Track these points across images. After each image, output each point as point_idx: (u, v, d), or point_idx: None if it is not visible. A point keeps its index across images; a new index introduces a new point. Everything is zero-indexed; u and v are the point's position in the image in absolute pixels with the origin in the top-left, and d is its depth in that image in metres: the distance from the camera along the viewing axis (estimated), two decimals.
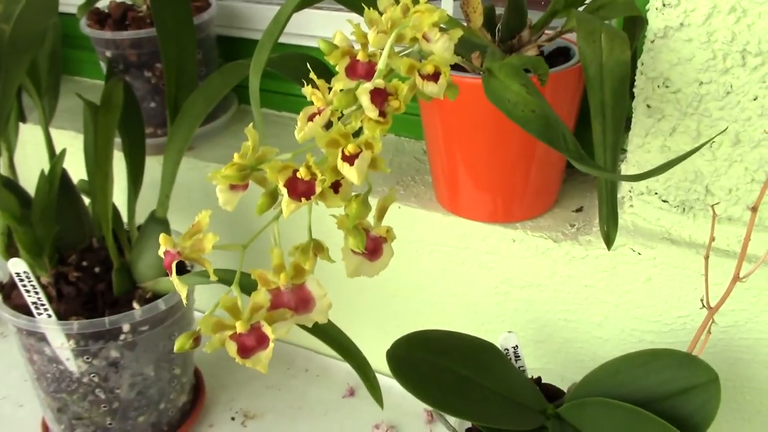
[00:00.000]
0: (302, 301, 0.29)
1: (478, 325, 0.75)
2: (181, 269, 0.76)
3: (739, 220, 0.59)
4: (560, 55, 0.66)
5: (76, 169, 0.74)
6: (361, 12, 0.54)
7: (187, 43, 0.70)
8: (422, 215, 0.72)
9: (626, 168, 0.62)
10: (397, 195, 0.75)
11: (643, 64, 0.58)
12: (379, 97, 0.28)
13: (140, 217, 0.75)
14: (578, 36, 0.52)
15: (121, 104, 0.68)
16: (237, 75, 0.63)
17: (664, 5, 0.55)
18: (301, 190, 0.28)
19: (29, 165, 0.87)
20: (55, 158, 0.64)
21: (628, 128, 0.61)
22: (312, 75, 0.31)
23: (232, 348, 0.28)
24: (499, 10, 0.65)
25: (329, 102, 0.30)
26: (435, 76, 0.30)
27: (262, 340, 0.28)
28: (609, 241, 0.54)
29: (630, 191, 0.63)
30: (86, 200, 0.76)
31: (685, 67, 0.56)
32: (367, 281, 0.76)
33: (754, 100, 0.54)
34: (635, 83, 0.59)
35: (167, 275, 0.71)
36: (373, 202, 0.33)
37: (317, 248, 0.30)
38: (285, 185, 0.27)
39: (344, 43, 0.34)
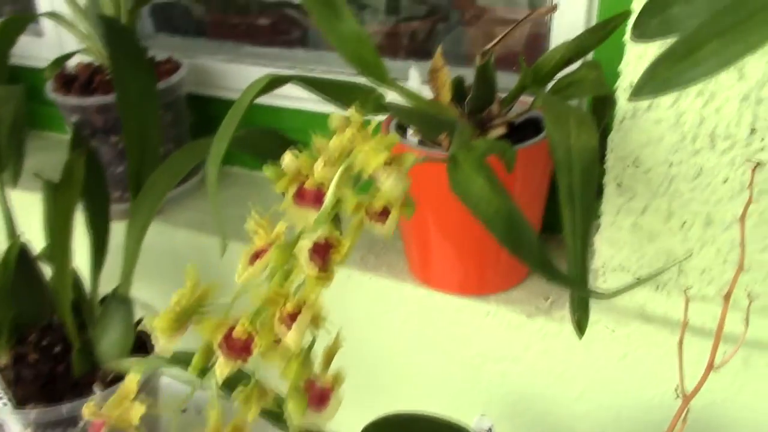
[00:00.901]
0: None
1: (453, 397, 0.73)
2: (143, 348, 0.74)
3: (713, 299, 0.58)
4: (531, 125, 0.65)
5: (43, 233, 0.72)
6: (329, 97, 0.53)
7: (149, 114, 0.68)
8: (394, 287, 0.71)
9: (599, 241, 0.61)
10: (369, 264, 0.73)
11: (612, 141, 0.57)
12: (320, 251, 0.26)
13: (106, 283, 0.72)
14: (546, 119, 0.51)
15: (83, 179, 0.66)
16: (201, 153, 0.61)
17: (632, 86, 0.54)
18: (237, 347, 0.26)
19: None
20: (11, 243, 0.62)
21: (600, 194, 0.60)
22: (254, 213, 0.29)
23: None
24: (469, 79, 0.65)
25: (273, 240, 0.29)
26: (384, 214, 0.28)
27: None
28: (581, 329, 0.52)
29: (603, 266, 0.62)
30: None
31: (655, 147, 0.55)
32: (339, 355, 0.75)
33: (725, 182, 0.53)
34: (605, 161, 0.58)
35: (131, 354, 0.69)
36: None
37: (261, 394, 0.29)
38: (220, 345, 0.26)
39: (292, 167, 0.32)
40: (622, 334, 0.62)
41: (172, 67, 0.86)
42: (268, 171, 0.32)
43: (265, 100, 0.88)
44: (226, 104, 0.95)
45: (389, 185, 0.28)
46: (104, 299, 0.81)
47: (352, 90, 0.53)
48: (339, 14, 0.54)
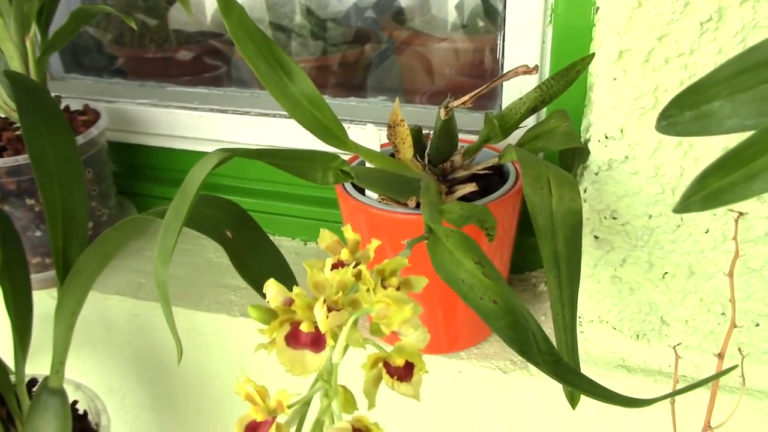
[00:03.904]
0: None
1: None
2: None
3: (697, 348, 0.56)
4: (494, 172, 0.62)
5: None
6: (286, 169, 0.47)
7: (71, 181, 0.61)
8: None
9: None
10: None
11: (587, 193, 0.54)
12: None
13: (32, 359, 0.64)
14: (524, 182, 0.48)
15: None
16: (134, 231, 0.55)
17: (606, 137, 0.51)
18: None
19: None
20: None
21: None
22: (246, 379, 0.24)
23: None
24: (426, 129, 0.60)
25: (272, 411, 0.23)
26: (407, 370, 0.24)
27: None
28: (574, 402, 0.49)
29: (580, 317, 0.59)
30: None
31: (632, 199, 0.52)
32: None
33: (706, 233, 0.51)
34: None
35: None
36: None
37: None
38: None
39: (279, 300, 0.27)
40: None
41: (90, 117, 0.77)
42: (253, 312, 0.27)
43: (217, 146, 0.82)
44: (151, 152, 0.87)
45: (413, 340, 0.23)
46: (32, 382, 0.72)
47: (311, 160, 0.47)
48: (290, 74, 0.48)
